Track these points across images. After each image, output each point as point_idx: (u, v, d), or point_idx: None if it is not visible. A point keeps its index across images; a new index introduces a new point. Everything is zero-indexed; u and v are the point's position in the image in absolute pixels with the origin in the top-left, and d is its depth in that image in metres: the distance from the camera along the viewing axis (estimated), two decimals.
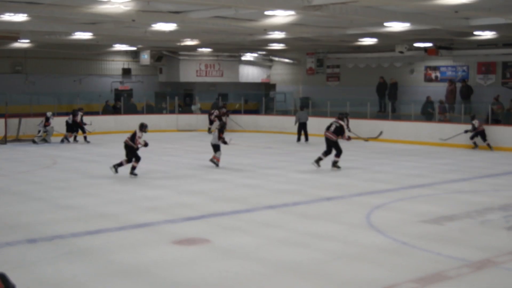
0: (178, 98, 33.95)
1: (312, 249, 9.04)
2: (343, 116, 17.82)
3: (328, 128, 17.36)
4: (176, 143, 25.54)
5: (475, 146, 23.11)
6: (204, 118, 32.64)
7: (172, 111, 33.21)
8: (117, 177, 15.95)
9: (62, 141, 25.46)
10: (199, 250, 9.00)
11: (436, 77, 30.03)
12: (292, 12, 17.23)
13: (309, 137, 26.31)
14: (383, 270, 8.06)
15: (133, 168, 16.22)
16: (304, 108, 26.86)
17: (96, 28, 22.01)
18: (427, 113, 27.33)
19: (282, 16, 18.23)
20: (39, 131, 24.97)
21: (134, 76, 36.16)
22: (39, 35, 24.56)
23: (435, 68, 30.02)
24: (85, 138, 25.61)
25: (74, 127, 25.84)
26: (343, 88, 33.46)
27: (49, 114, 25.21)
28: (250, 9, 16.73)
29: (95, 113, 30.71)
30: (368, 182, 15.30)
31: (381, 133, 19.67)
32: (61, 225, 10.55)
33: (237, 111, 33.52)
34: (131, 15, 17.61)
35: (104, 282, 7.63)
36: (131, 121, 28.35)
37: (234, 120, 30.21)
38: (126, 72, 35.71)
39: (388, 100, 29.94)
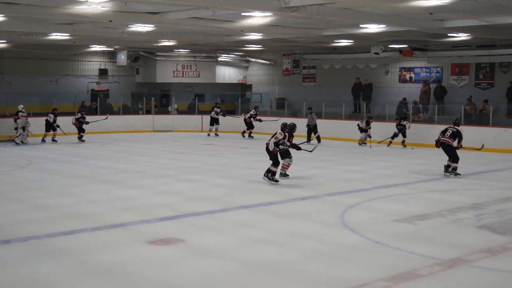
0: (155, 98, 33.90)
1: (286, 248, 9.12)
2: (459, 121, 17.35)
3: (444, 133, 16.70)
4: (152, 143, 25.50)
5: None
6: (180, 118, 32.71)
7: (148, 112, 33.18)
8: (92, 177, 15.91)
9: (49, 140, 25.64)
10: (174, 250, 9.03)
11: (411, 78, 30.28)
12: (269, 13, 17.31)
13: None
14: (356, 269, 8.16)
15: (269, 171, 15.06)
16: (309, 110, 26.46)
17: (73, 29, 21.91)
18: (401, 114, 27.55)
19: (259, 17, 18.30)
20: (16, 129, 24.77)
21: (110, 77, 36.03)
22: (15, 36, 24.39)
23: (410, 69, 30.27)
24: (80, 137, 25.87)
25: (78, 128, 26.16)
26: (319, 89, 33.62)
27: (20, 107, 25.02)
28: (227, 10, 16.79)
29: (71, 113, 30.52)
30: (342, 181, 15.40)
31: (483, 146, 19.01)
32: (36, 225, 10.52)
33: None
34: (108, 15, 17.57)
35: (79, 282, 7.63)
36: (108, 122, 28.34)
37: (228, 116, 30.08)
38: (103, 72, 35.56)
39: (363, 101, 30.15)
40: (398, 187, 14.63)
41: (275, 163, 15.05)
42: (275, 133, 15.15)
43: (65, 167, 18.09)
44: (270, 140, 15.13)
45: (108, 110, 31.72)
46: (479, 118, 25.21)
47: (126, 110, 32.93)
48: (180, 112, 34.47)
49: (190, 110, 34.63)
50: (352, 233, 10.13)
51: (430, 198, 13.31)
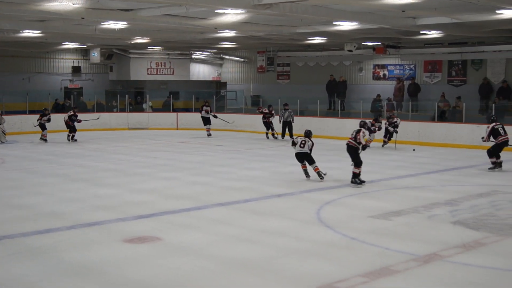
0: (129, 96, 33.73)
1: (263, 245, 9.15)
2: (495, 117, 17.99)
3: (502, 132, 17.02)
4: (127, 141, 25.37)
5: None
6: (155, 116, 32.59)
7: (122, 110, 32.98)
8: (67, 176, 15.81)
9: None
10: (150, 248, 9.02)
11: (384, 75, 30.47)
12: (242, 11, 17.30)
13: (258, 135, 26.61)
14: (333, 265, 8.20)
15: (354, 175, 14.57)
16: (286, 106, 26.49)
17: (45, 26, 21.69)
18: (376, 110, 27.71)
19: (232, 14, 18.28)
20: None
21: (84, 74, 35.77)
22: None
23: (383, 67, 30.46)
24: (72, 137, 25.30)
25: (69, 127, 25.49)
26: (293, 86, 33.71)
27: None
28: (200, 7, 16.75)
29: None
30: (318, 178, 15.44)
31: None
32: (10, 224, 10.45)
33: (189, 109, 33.51)
34: (81, 12, 17.42)
35: (55, 281, 7.59)
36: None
37: (220, 117, 29.28)
38: (76, 70, 35.30)
39: (337, 98, 30.29)
40: (373, 184, 14.71)
41: (358, 164, 14.62)
42: (359, 130, 14.83)
43: (40, 165, 17.95)
44: (357, 138, 14.69)
45: (81, 108, 31.49)
46: (452, 115, 25.43)
47: (100, 108, 32.68)
48: (154, 109, 34.34)
49: (165, 107, 34.51)
50: (328, 229, 10.18)
51: (405, 194, 13.41)
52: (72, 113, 25.41)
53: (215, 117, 27.87)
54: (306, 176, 15.59)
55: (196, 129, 29.37)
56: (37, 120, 25.20)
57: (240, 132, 29.37)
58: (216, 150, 22.17)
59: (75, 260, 8.36)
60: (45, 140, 25.07)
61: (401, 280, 7.67)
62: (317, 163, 15.27)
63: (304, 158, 15.48)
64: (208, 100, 30.17)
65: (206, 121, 27.55)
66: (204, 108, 27.86)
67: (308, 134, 15.62)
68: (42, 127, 25.24)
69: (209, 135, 27.27)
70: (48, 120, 25.35)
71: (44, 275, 7.79)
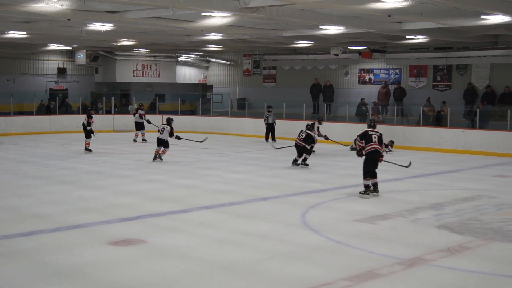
0: (115, 98, 33.62)
1: (247, 249, 9.14)
2: None
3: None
4: (112, 143, 25.28)
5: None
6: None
7: (108, 112, 32.87)
8: (51, 178, 15.73)
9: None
10: (135, 251, 8.98)
11: (370, 79, 30.60)
12: (229, 14, 17.31)
13: (247, 138, 26.53)
14: (317, 268, 8.21)
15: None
16: (270, 109, 26.55)
17: (31, 27, 21.61)
18: (361, 114, 27.79)
19: (219, 17, 18.31)
20: None
21: (69, 76, 35.69)
22: None
23: (369, 71, 30.58)
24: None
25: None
26: (279, 90, 33.78)
27: None
28: (187, 10, 16.74)
29: (30, 113, 30.20)
30: (303, 182, 15.48)
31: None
32: None
33: (174, 112, 33.44)
34: (67, 14, 17.37)
35: (39, 283, 7.54)
36: (66, 122, 28.03)
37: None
38: (62, 71, 35.20)
39: (323, 102, 30.36)
40: (358, 187, 14.70)
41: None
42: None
43: (24, 167, 17.82)
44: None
45: (66, 110, 31.40)
46: (437, 120, 25.56)
47: (86, 110, 32.53)
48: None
49: (151, 110, 34.44)
50: (313, 233, 10.19)
51: (390, 198, 13.45)
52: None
53: (149, 122, 25.86)
54: (153, 159, 19.08)
55: (182, 132, 29.25)
56: (91, 124, 21.75)
57: (226, 135, 29.37)
58: (202, 153, 22.15)
59: (59, 263, 8.31)
60: (90, 150, 21.69)
61: (386, 284, 7.68)
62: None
63: (162, 143, 19.15)
64: (143, 103, 28.49)
65: (139, 126, 25.73)
66: (139, 112, 25.97)
67: (168, 121, 19.43)
68: (90, 133, 21.71)
69: (144, 140, 25.52)
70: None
71: (28, 277, 7.73)
